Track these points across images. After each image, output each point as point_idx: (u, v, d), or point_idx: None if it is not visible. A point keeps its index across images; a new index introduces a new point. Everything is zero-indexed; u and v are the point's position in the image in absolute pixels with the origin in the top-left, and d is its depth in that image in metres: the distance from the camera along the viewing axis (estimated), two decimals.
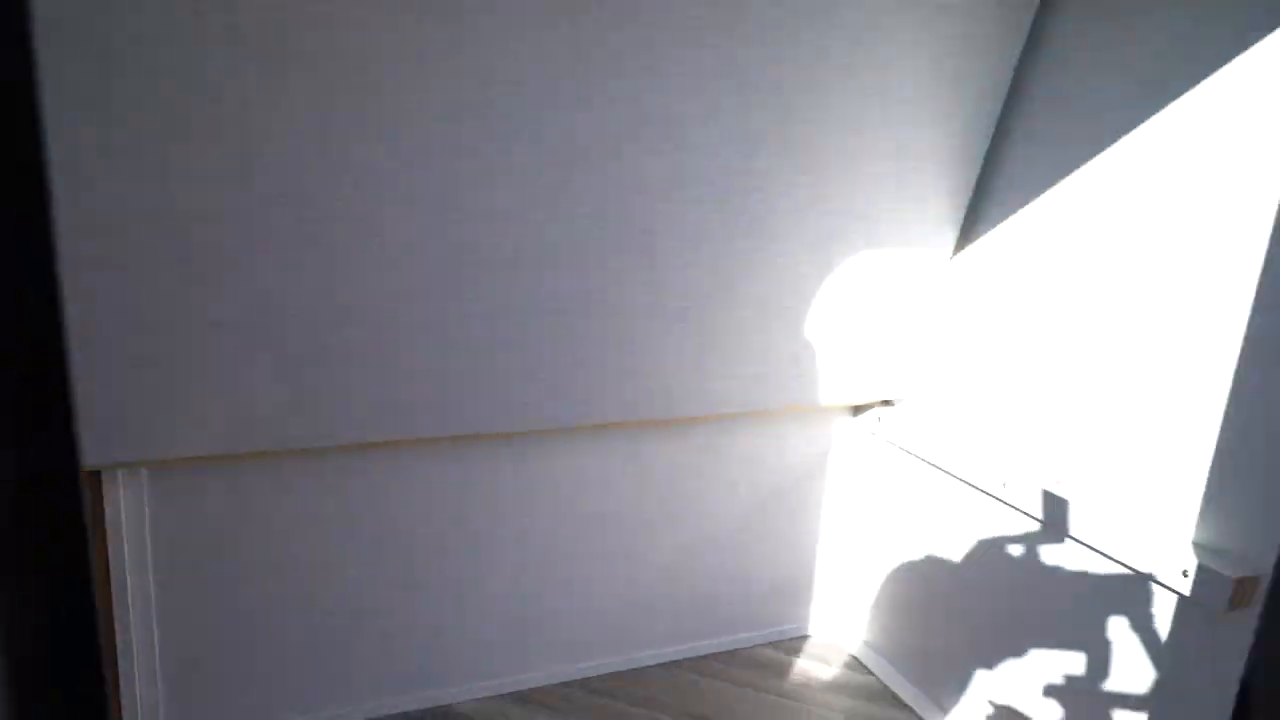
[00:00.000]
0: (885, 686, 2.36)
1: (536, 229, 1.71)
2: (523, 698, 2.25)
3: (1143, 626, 1.67)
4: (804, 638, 2.60)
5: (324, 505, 1.97)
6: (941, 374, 2.20)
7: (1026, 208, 1.94)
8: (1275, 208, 1.45)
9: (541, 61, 1.53)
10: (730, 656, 2.48)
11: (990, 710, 2.01)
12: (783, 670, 2.43)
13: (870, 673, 2.42)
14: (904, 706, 2.28)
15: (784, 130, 1.77)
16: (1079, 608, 1.79)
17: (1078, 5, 1.82)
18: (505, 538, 2.16)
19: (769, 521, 2.46)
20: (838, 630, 2.60)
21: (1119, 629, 1.71)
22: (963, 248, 2.11)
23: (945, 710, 2.17)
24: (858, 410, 2.44)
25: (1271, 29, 1.47)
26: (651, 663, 2.41)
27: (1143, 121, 1.68)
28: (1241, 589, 1.46)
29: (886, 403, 2.36)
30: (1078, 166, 1.82)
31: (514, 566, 2.19)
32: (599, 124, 1.63)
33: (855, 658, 2.50)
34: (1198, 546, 1.55)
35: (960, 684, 2.12)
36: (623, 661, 2.38)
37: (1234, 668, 1.51)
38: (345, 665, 2.09)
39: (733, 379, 2.09)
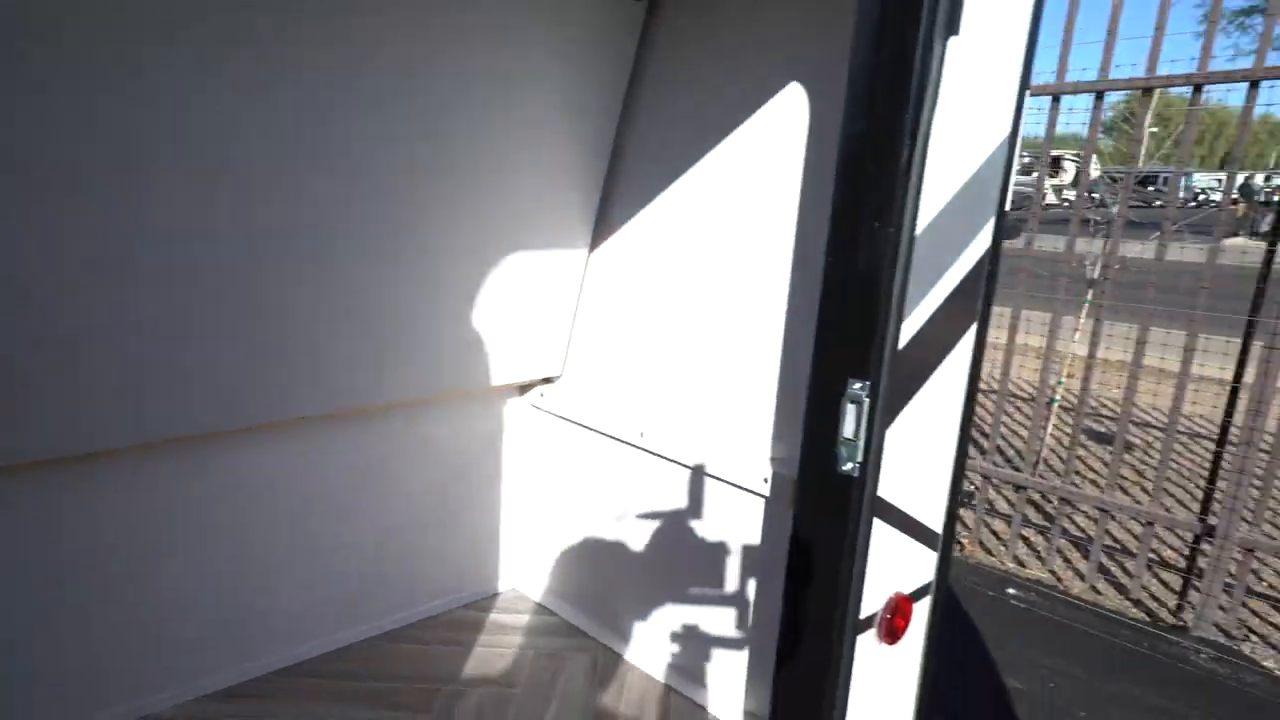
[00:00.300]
0: (570, 624, 2.75)
1: (217, 239, 1.83)
2: (231, 693, 2.32)
3: (746, 528, 2.19)
4: (496, 595, 2.91)
5: (5, 524, 1.91)
6: (590, 350, 2.62)
7: (642, 210, 2.40)
8: (795, 217, 2.01)
9: (219, 88, 1.67)
10: (433, 621, 2.72)
11: (668, 658, 2.46)
12: (479, 625, 2.73)
13: (556, 615, 2.80)
14: (589, 638, 2.68)
15: (443, 153, 2.05)
16: (704, 523, 2.28)
17: (664, 54, 2.30)
18: (199, 539, 2.22)
19: (457, 495, 2.73)
20: (526, 583, 2.94)
21: (733, 533, 2.22)
22: (597, 245, 2.54)
23: (625, 637, 2.59)
24: (524, 389, 2.79)
25: (794, 77, 2.02)
26: (361, 639, 2.59)
27: (715, 144, 2.19)
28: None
29: (547, 380, 2.74)
30: (676, 176, 2.30)
31: (211, 566, 2.25)
32: (276, 147, 1.80)
33: (542, 605, 2.86)
34: (773, 460, 2.10)
35: (630, 609, 2.56)
36: (332, 642, 2.53)
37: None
38: (35, 686, 2.03)
39: (409, 369, 2.33)
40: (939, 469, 1.76)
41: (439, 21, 1.89)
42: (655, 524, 2.42)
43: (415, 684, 2.39)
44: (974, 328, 1.66)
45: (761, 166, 2.08)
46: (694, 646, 2.35)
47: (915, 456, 1.68)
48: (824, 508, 1.55)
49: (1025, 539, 4.41)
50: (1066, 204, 7.48)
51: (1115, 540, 4.38)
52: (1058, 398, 4.58)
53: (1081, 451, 4.64)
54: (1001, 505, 4.65)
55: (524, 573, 2.93)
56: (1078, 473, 4.58)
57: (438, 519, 2.69)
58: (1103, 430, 5.30)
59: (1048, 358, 4.12)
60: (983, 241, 1.58)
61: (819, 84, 1.96)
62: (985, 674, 3.31)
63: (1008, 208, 1.62)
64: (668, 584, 2.41)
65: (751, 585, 2.19)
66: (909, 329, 1.47)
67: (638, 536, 2.49)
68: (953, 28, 1.29)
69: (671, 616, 2.41)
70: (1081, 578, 4.06)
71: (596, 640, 2.63)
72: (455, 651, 2.56)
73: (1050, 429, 4.63)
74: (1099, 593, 3.99)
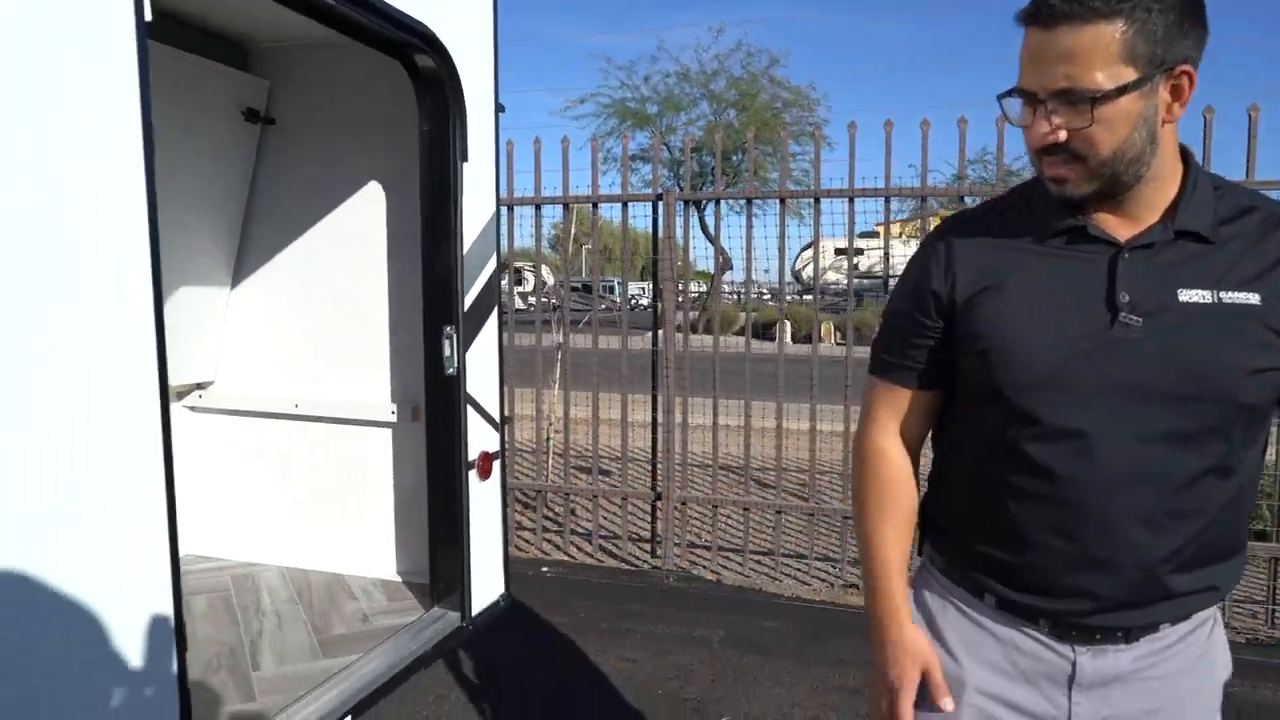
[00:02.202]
0: (253, 563, 3.65)
1: None
2: None
3: (385, 448, 3.43)
4: None
5: None
6: (242, 356, 3.61)
7: (277, 255, 3.51)
8: (384, 248, 3.34)
9: None
10: None
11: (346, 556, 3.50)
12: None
13: (232, 560, 3.68)
14: (271, 566, 3.62)
15: None
16: (357, 454, 3.46)
17: (280, 155, 3.44)
18: None
19: None
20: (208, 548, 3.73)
21: (378, 454, 3.44)
22: (238, 283, 3.57)
23: (309, 557, 3.59)
24: (180, 395, 3.63)
25: (374, 176, 3.34)
26: None
27: (329, 210, 3.41)
28: (416, 411, 3.32)
29: (200, 385, 3.64)
30: (301, 232, 3.46)
31: None
32: None
33: (227, 559, 3.71)
34: (392, 399, 3.39)
35: (309, 538, 3.56)
36: None
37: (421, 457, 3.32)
38: None
39: None
40: (493, 380, 3.23)
41: None
42: (319, 467, 3.53)
43: None
44: (495, 309, 3.16)
45: (359, 223, 3.37)
46: (361, 541, 3.52)
47: (484, 371, 3.12)
48: (441, 398, 2.93)
49: (546, 538, 6.30)
50: (530, 307, 8.89)
51: (604, 524, 6.29)
52: (551, 440, 6.57)
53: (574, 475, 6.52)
54: (525, 521, 6.42)
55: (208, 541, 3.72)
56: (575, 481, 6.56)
57: None
58: (586, 464, 7.25)
59: (539, 418, 6.29)
60: (492, 262, 3.09)
61: (391, 178, 3.32)
62: (532, 619, 4.91)
63: (502, 249, 3.15)
64: (334, 506, 3.53)
65: (391, 483, 3.46)
66: (467, 301, 2.93)
67: (306, 481, 3.56)
68: (465, 156, 2.77)
69: (340, 528, 3.54)
70: (589, 554, 6.01)
71: (282, 566, 3.59)
72: None
73: (550, 464, 6.55)
74: (604, 559, 5.98)
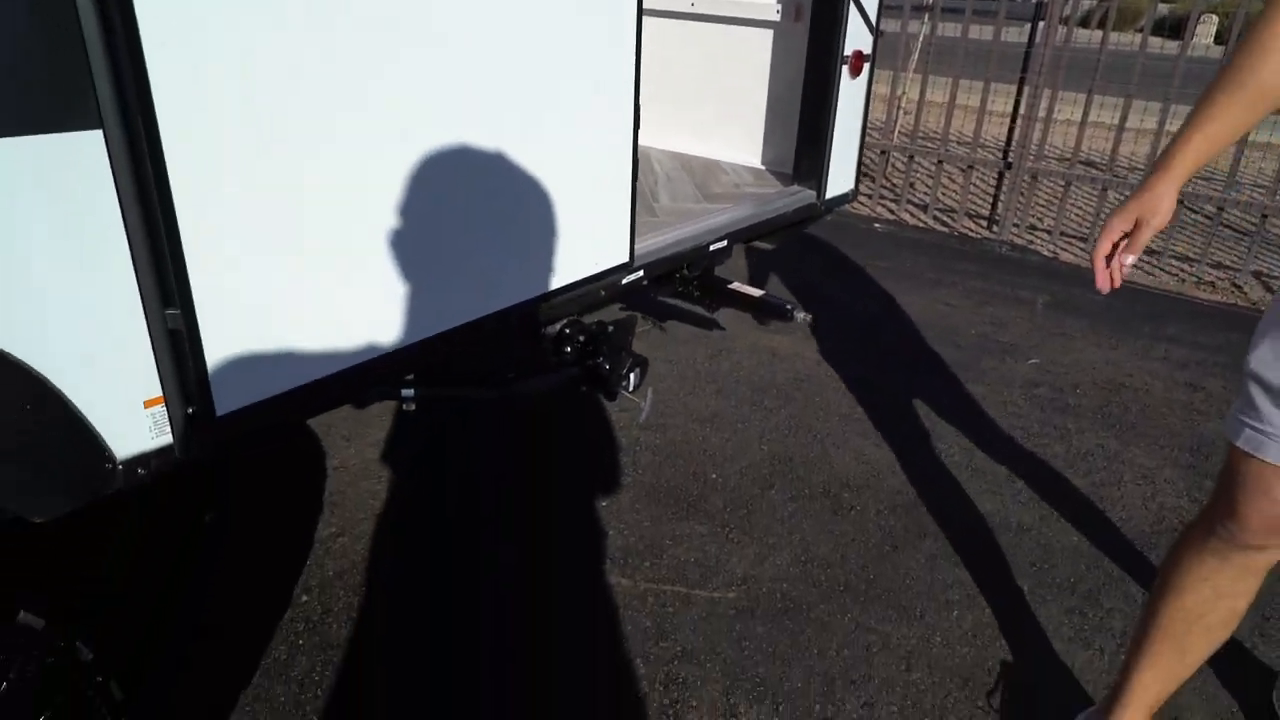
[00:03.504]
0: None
1: None
2: None
3: (766, 46, 3.84)
4: None
5: None
6: None
7: None
8: None
9: None
10: None
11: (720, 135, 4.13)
12: None
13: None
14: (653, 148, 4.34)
15: None
16: (741, 45, 3.90)
17: None
18: None
19: None
20: None
21: (760, 50, 3.84)
22: None
23: (689, 139, 4.26)
24: None
25: None
26: None
27: None
28: (800, 11, 3.63)
29: None
30: None
31: None
32: None
33: None
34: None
35: (697, 121, 4.19)
36: None
37: (796, 59, 3.69)
38: None
39: None
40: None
41: None
42: (706, 65, 4.02)
43: None
44: None
45: None
46: (736, 133, 4.05)
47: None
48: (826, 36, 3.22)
49: (881, 204, 6.46)
50: None
51: (942, 199, 6.39)
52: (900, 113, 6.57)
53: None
54: (863, 188, 6.60)
55: None
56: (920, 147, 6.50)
57: None
58: (932, 144, 7.08)
59: (892, 95, 6.20)
60: None
61: None
62: (856, 260, 5.29)
63: None
64: (715, 101, 4.06)
65: (766, 82, 3.88)
66: None
67: (693, 77, 4.08)
68: None
69: (719, 121, 4.07)
70: (922, 221, 6.12)
71: (669, 150, 4.28)
72: None
73: (897, 135, 6.56)
74: (936, 226, 6.06)
